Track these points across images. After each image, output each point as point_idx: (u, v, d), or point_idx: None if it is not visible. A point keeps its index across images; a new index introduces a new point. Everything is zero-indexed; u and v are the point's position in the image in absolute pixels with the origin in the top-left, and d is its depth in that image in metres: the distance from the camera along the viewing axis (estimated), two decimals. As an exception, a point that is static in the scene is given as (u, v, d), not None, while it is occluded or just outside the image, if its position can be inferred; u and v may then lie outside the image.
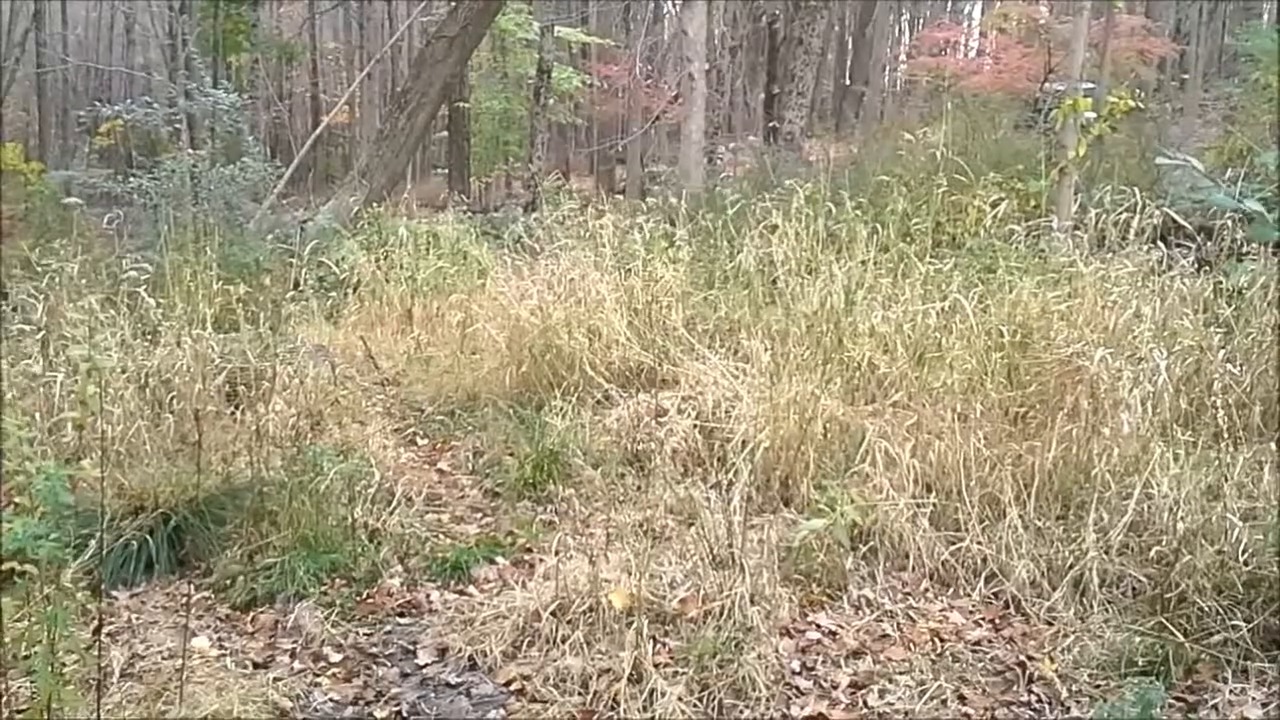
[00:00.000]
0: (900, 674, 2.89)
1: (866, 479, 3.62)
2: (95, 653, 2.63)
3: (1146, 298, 4.26)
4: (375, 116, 21.29)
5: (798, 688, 2.84)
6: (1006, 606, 3.24)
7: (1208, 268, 4.91)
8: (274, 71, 24.07)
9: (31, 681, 2.61)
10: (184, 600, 3.18)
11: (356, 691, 2.84)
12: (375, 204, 9.17)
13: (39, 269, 4.99)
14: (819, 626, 3.13)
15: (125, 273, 4.68)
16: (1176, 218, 5.08)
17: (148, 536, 3.41)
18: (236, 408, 4.31)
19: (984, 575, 3.35)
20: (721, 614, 2.97)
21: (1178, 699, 2.75)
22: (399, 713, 2.77)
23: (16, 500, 3.13)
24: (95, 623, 2.70)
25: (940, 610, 3.24)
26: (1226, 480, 3.35)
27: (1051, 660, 2.94)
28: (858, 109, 22.15)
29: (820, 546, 3.37)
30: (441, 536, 3.80)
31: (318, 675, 2.91)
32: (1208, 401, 3.83)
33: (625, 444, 4.42)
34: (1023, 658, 2.98)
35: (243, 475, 3.73)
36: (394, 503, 3.86)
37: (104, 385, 3.60)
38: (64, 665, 2.38)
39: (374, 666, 2.97)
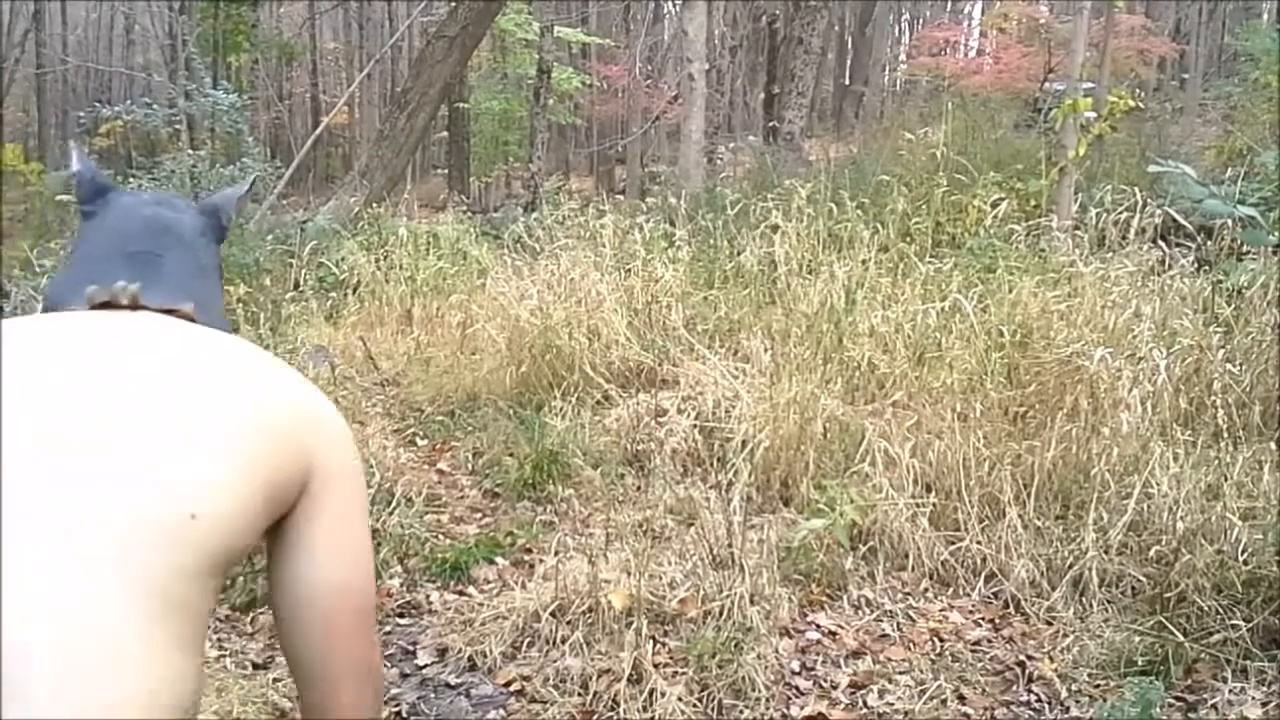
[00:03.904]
0: (900, 674, 2.89)
1: (866, 479, 3.62)
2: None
3: (1146, 297, 4.27)
4: (375, 117, 21.32)
5: (797, 688, 2.84)
6: (1006, 606, 3.24)
7: (1207, 267, 4.91)
8: (274, 72, 24.07)
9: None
10: (183, 601, 3.17)
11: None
12: (375, 204, 9.17)
13: (38, 269, 4.99)
14: (818, 626, 3.13)
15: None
16: (1177, 216, 5.08)
17: (147, 537, 3.41)
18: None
19: (983, 575, 3.35)
20: (721, 614, 2.97)
21: (1177, 698, 2.75)
22: (398, 713, 2.77)
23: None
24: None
25: (940, 610, 3.24)
26: (1226, 480, 3.35)
27: (1051, 660, 2.94)
28: (858, 109, 22.15)
29: (820, 546, 3.37)
30: (441, 537, 3.80)
31: (317, 676, 2.91)
32: (1207, 401, 3.83)
33: (625, 444, 4.41)
34: (1022, 657, 2.98)
35: (242, 476, 3.72)
36: (393, 503, 3.86)
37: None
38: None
39: (373, 667, 2.97)
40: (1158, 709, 2.57)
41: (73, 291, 1.04)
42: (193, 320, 1.06)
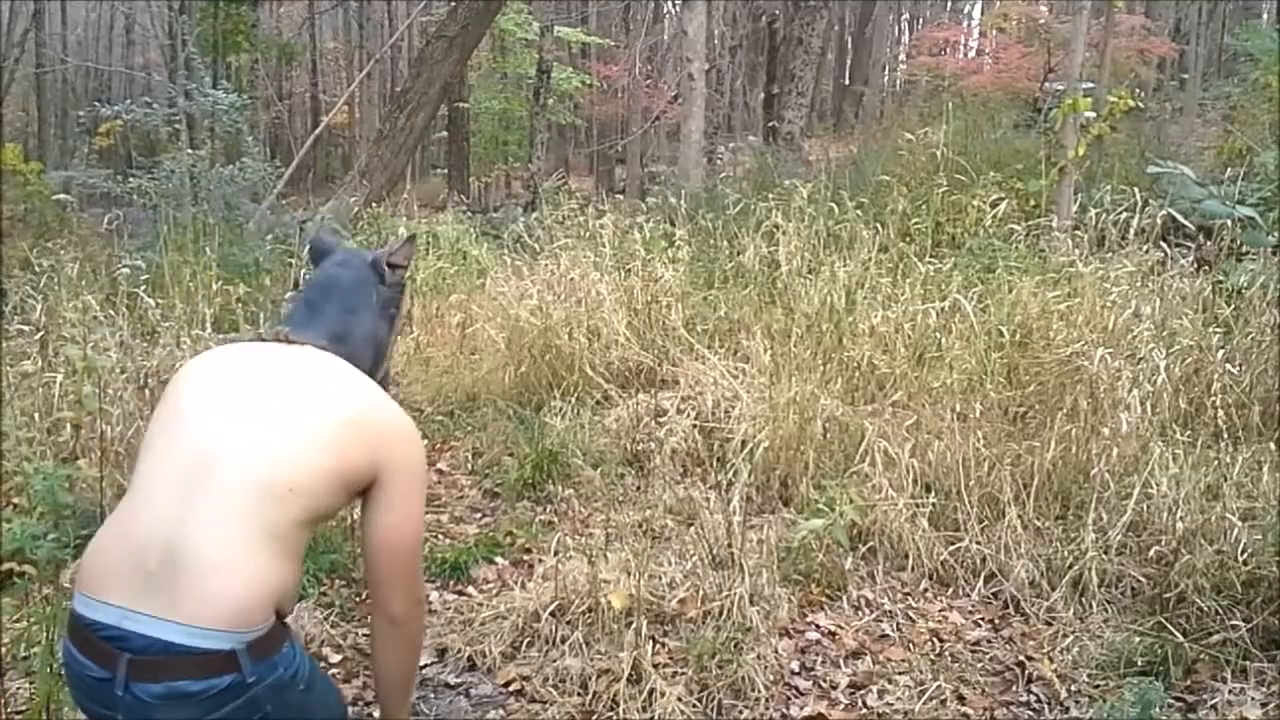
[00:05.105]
0: (899, 674, 2.89)
1: (866, 479, 3.62)
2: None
3: (1146, 298, 4.26)
4: (375, 116, 21.29)
5: (797, 688, 2.84)
6: (1006, 606, 3.24)
7: (1207, 267, 4.91)
8: (274, 71, 24.07)
9: (31, 682, 2.61)
10: (183, 601, 3.17)
11: (356, 692, 2.84)
12: (375, 204, 9.16)
13: (38, 269, 4.99)
14: (818, 627, 3.13)
15: (118, 270, 4.67)
16: (1177, 216, 5.08)
17: (147, 537, 3.40)
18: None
19: (983, 575, 3.35)
20: (721, 614, 2.97)
21: (1177, 699, 2.75)
22: (398, 713, 2.76)
23: (15, 500, 3.13)
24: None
25: (939, 610, 3.24)
26: (1226, 480, 3.35)
27: (1051, 660, 2.94)
28: (857, 109, 22.15)
29: (819, 546, 3.37)
30: (440, 537, 3.80)
31: (317, 676, 2.91)
32: (1207, 401, 3.82)
33: (625, 444, 4.41)
34: (1022, 658, 2.98)
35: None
36: (393, 503, 3.85)
37: (102, 386, 3.59)
38: (64, 666, 2.37)
39: (373, 667, 2.96)
40: (1157, 709, 2.57)
41: (281, 325, 1.77)
42: (326, 350, 1.69)
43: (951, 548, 3.42)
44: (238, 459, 1.51)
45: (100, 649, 1.45)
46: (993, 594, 3.30)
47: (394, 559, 1.63)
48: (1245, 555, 3.01)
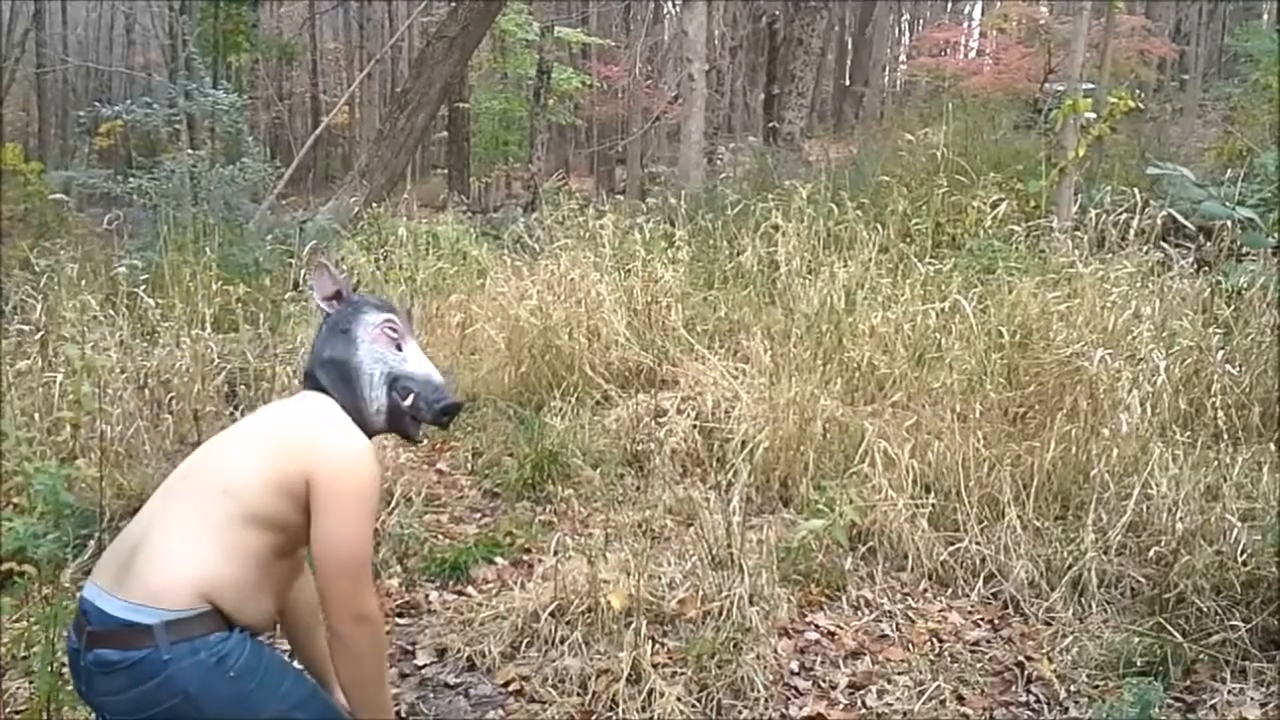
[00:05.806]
0: (899, 674, 2.89)
1: (865, 479, 3.62)
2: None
3: (1146, 298, 4.26)
4: (375, 117, 21.30)
5: (796, 688, 2.84)
6: (1005, 607, 3.24)
7: (1207, 268, 4.91)
8: (274, 72, 24.09)
9: (31, 682, 2.61)
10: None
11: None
12: (375, 204, 9.15)
13: (37, 269, 4.99)
14: (818, 627, 3.13)
15: (117, 270, 4.67)
16: (1177, 216, 5.08)
17: (147, 537, 3.40)
18: (236, 408, 4.31)
19: (983, 576, 3.35)
20: (720, 614, 2.97)
21: (1176, 699, 2.75)
22: (397, 713, 2.76)
23: (15, 500, 3.13)
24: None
25: (939, 610, 3.25)
26: (1225, 481, 3.35)
27: (1050, 660, 2.94)
28: (857, 109, 22.16)
29: (819, 547, 3.37)
30: (440, 537, 3.80)
31: (316, 675, 2.90)
32: (1207, 402, 3.83)
33: (624, 444, 4.42)
34: (1021, 658, 2.98)
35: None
36: (393, 503, 3.86)
37: (102, 385, 3.59)
38: (63, 665, 2.38)
39: (373, 667, 2.96)
40: (1156, 710, 2.57)
41: None
42: (326, 392, 1.88)
43: (951, 548, 3.42)
44: (205, 468, 1.76)
45: (78, 621, 1.66)
46: (992, 594, 3.30)
47: (327, 572, 1.70)
48: (1245, 556, 3.01)
